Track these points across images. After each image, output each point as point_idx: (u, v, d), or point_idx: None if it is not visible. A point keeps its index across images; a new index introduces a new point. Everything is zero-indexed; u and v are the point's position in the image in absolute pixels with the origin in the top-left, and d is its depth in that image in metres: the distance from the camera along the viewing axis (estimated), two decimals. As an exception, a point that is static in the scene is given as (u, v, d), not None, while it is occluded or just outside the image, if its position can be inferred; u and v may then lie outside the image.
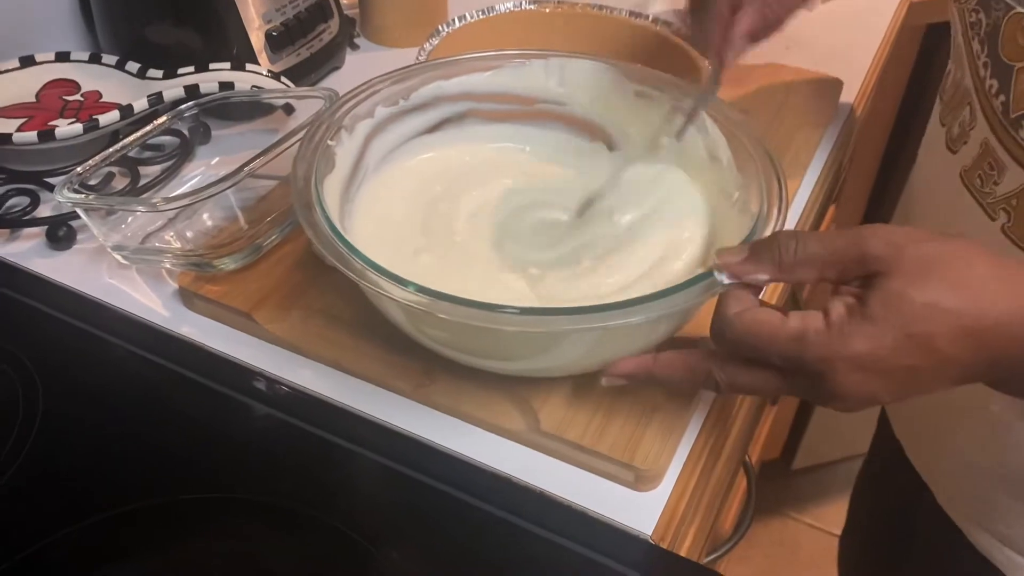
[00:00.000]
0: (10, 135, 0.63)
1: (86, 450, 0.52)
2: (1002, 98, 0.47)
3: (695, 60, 0.72)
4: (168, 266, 0.59)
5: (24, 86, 0.70)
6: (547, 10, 0.81)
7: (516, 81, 0.58)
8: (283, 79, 0.71)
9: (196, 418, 0.53)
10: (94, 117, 0.65)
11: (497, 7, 0.80)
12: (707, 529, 0.73)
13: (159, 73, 0.71)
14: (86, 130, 0.64)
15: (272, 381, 0.53)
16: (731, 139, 0.52)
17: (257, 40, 0.72)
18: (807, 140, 0.71)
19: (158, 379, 0.55)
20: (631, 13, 0.81)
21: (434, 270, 0.49)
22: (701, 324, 0.49)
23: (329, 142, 0.51)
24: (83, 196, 0.56)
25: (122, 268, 0.60)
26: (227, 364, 0.54)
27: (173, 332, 0.56)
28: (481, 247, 0.52)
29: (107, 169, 0.64)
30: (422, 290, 0.42)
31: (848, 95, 0.78)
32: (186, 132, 0.68)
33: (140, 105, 0.66)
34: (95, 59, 0.73)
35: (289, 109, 0.71)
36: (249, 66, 0.70)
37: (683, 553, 0.59)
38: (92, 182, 0.63)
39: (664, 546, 0.46)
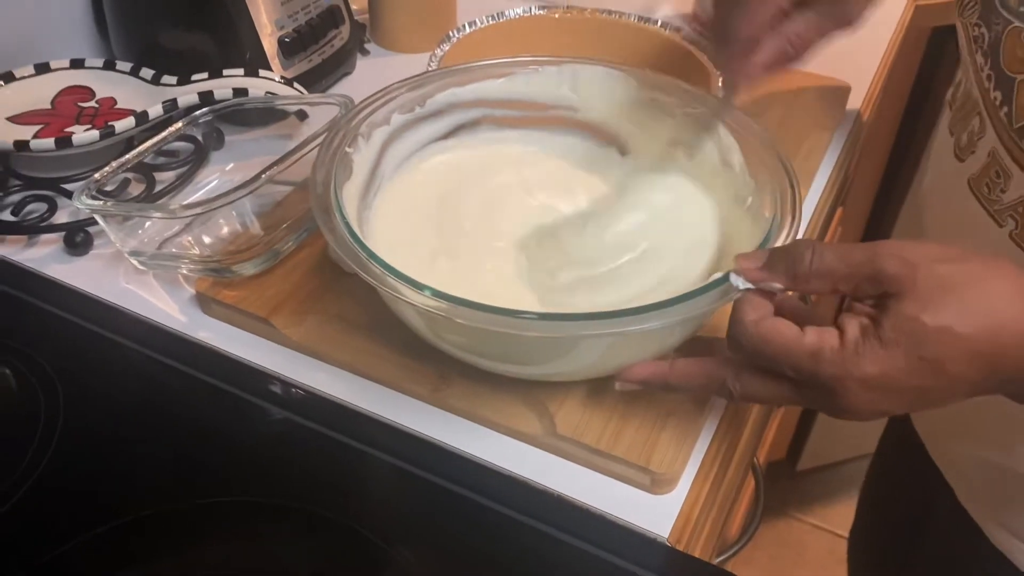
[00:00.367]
0: (27, 142, 0.64)
1: (105, 454, 0.52)
2: (1005, 109, 0.48)
3: (703, 64, 0.73)
4: (185, 271, 0.59)
5: (40, 93, 0.71)
6: (556, 15, 0.82)
7: (529, 87, 0.59)
8: (296, 85, 0.72)
9: (213, 422, 0.54)
10: (110, 124, 0.65)
11: (507, 12, 0.81)
12: (718, 530, 0.74)
13: (173, 79, 0.71)
14: (103, 136, 0.65)
15: (289, 385, 0.54)
16: (744, 145, 0.53)
17: (270, 46, 0.73)
18: (816, 144, 0.71)
19: (176, 383, 0.55)
20: (639, 18, 0.82)
21: (450, 275, 0.50)
22: (714, 327, 0.49)
23: (347, 149, 0.51)
24: (101, 203, 0.57)
25: (139, 273, 0.61)
26: (244, 368, 0.55)
27: (191, 337, 0.57)
28: (496, 252, 0.53)
29: (123, 175, 0.65)
30: (440, 295, 0.42)
31: (856, 99, 0.79)
32: (200, 138, 0.69)
33: (155, 111, 0.67)
34: (109, 66, 0.73)
35: (302, 115, 0.71)
36: (262, 72, 0.70)
37: (696, 554, 0.59)
38: (108, 188, 0.63)
39: (680, 548, 0.47)
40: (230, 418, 0.54)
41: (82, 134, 0.64)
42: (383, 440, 0.51)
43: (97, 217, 0.58)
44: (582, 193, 0.58)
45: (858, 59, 0.85)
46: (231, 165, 0.68)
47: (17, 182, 0.66)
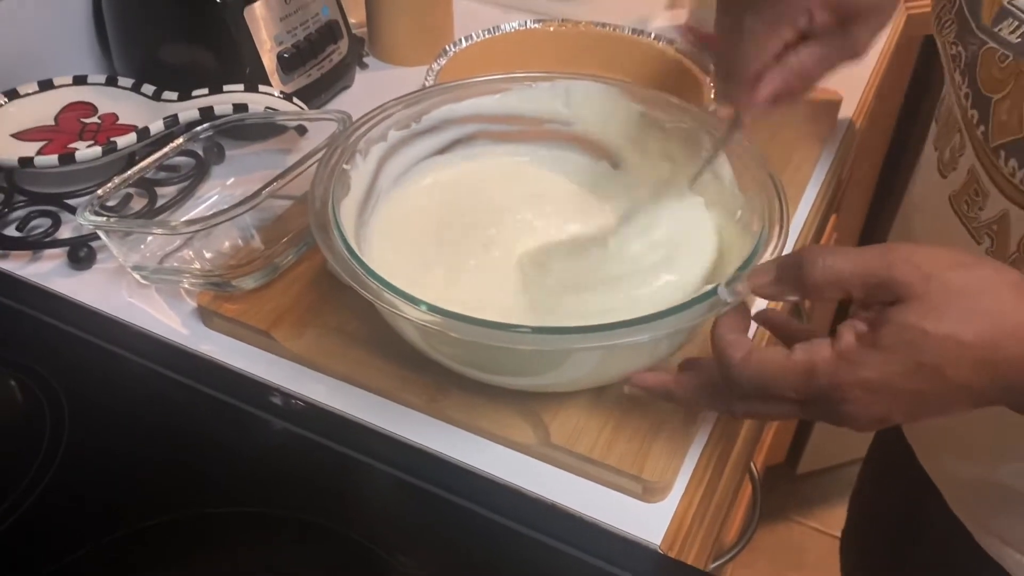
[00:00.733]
0: (32, 158, 0.65)
1: (108, 465, 0.53)
2: (982, 128, 0.49)
3: (696, 76, 0.74)
4: (187, 285, 0.60)
5: (44, 109, 0.72)
6: (551, 28, 0.83)
7: (524, 103, 0.60)
8: (295, 100, 0.73)
9: (215, 433, 0.55)
10: (112, 140, 0.67)
11: (502, 26, 0.82)
12: (713, 536, 0.75)
13: (174, 95, 0.72)
14: (105, 153, 0.66)
15: (289, 397, 0.55)
16: (733, 159, 0.54)
17: (269, 62, 0.74)
18: (807, 155, 0.72)
19: (178, 395, 0.57)
20: (633, 30, 0.83)
21: (445, 288, 0.51)
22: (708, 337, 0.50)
23: (344, 166, 0.52)
24: (104, 219, 0.58)
25: (141, 287, 0.62)
26: (246, 380, 0.56)
27: (193, 350, 0.58)
28: (491, 266, 0.54)
29: (125, 190, 0.66)
30: (435, 310, 0.43)
31: (847, 108, 0.80)
32: (201, 153, 0.70)
33: (156, 127, 0.68)
34: (111, 82, 0.75)
35: (302, 130, 0.73)
36: (262, 87, 0.72)
37: (690, 560, 0.60)
38: (111, 203, 0.64)
39: (673, 555, 0.48)
40: (231, 429, 0.55)
41: (85, 151, 0.65)
42: (382, 450, 0.52)
43: (100, 233, 0.59)
44: (575, 207, 0.59)
45: (850, 69, 0.86)
46: (232, 179, 0.70)
47: (22, 198, 0.67)
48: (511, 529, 0.49)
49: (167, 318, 0.60)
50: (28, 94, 0.73)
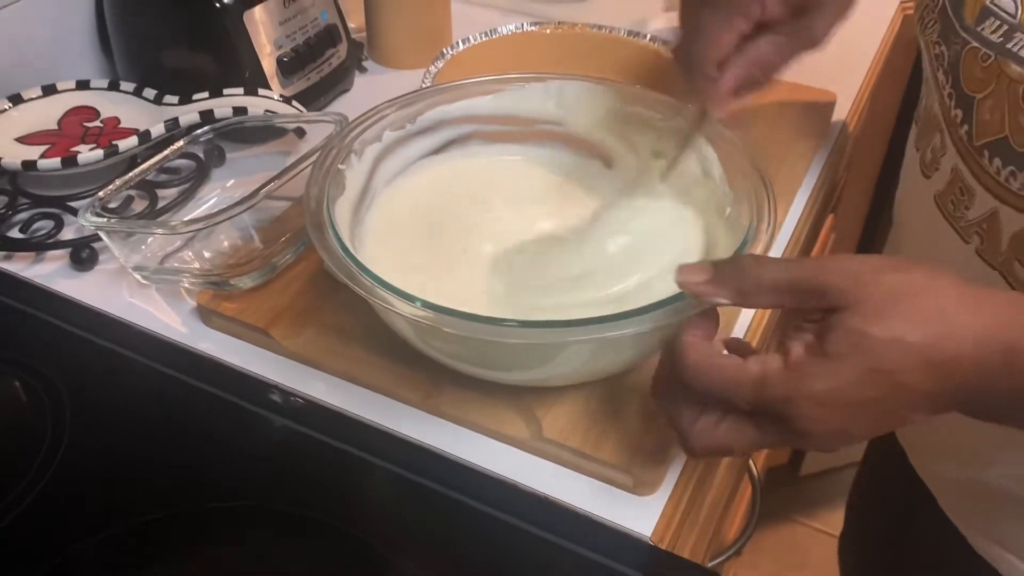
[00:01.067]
0: (35, 162, 0.66)
1: (109, 462, 0.54)
2: (965, 127, 0.49)
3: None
4: (187, 285, 0.61)
5: (47, 114, 0.73)
6: (548, 31, 0.84)
7: (516, 104, 0.61)
8: (294, 103, 0.74)
9: (214, 430, 0.56)
10: (114, 143, 0.68)
11: (499, 29, 0.83)
12: (710, 533, 0.75)
13: (175, 99, 0.73)
14: (107, 156, 0.67)
15: (287, 394, 0.56)
16: (723, 156, 0.55)
17: (269, 66, 0.75)
18: (801, 155, 0.73)
19: (178, 393, 0.57)
20: (629, 32, 0.84)
21: (437, 285, 0.51)
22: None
23: (340, 166, 0.53)
24: (105, 220, 0.59)
25: (142, 287, 0.63)
26: (244, 378, 0.57)
27: (192, 348, 0.59)
28: (484, 264, 0.55)
29: (127, 192, 0.67)
30: (428, 306, 0.44)
31: (842, 108, 0.80)
32: (202, 155, 0.71)
33: (157, 130, 0.69)
34: (114, 86, 0.76)
35: (301, 132, 0.74)
36: (261, 91, 0.73)
37: (686, 555, 0.61)
38: (112, 205, 0.65)
39: (663, 547, 0.48)
40: (230, 426, 0.56)
41: (87, 154, 0.67)
42: (378, 446, 0.53)
43: (101, 234, 0.60)
44: (568, 206, 0.59)
45: (845, 69, 0.86)
46: (231, 181, 0.71)
47: (25, 200, 0.69)
48: (504, 522, 0.49)
49: (167, 317, 0.61)
50: (32, 99, 0.74)
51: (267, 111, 0.70)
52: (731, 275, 0.41)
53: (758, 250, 0.47)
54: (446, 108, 0.59)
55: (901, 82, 1.18)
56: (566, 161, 0.62)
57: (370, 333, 0.55)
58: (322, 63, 0.79)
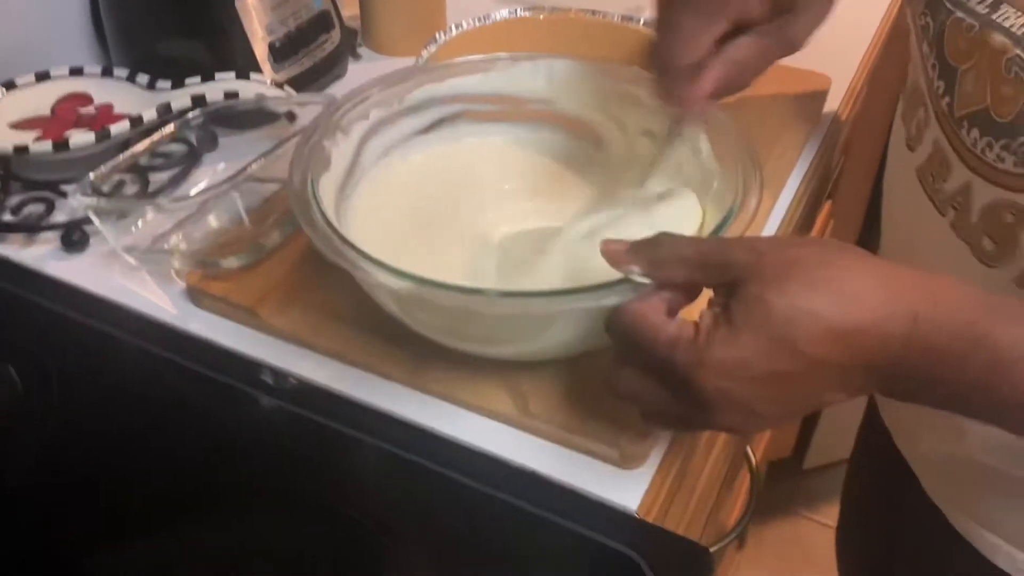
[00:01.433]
0: (27, 146, 0.66)
1: (101, 442, 0.54)
2: (947, 99, 0.49)
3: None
4: (177, 266, 0.61)
5: (40, 100, 0.73)
6: (541, 16, 0.84)
7: (505, 83, 0.60)
8: (286, 88, 0.74)
9: (205, 409, 0.56)
10: (106, 127, 0.68)
11: (492, 15, 0.83)
12: (704, 516, 0.75)
13: (167, 84, 0.74)
14: (98, 139, 0.67)
15: (276, 372, 0.56)
16: (711, 132, 0.54)
17: (261, 51, 0.75)
18: (794, 138, 0.73)
19: (168, 374, 0.57)
20: (623, 17, 0.83)
21: (423, 261, 0.51)
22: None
23: (324, 143, 0.53)
24: (94, 199, 0.59)
25: (133, 269, 0.63)
26: (233, 357, 0.57)
27: (182, 328, 0.59)
28: (467, 242, 0.54)
29: (118, 177, 0.67)
30: (409, 276, 0.44)
31: (837, 93, 0.80)
32: (194, 140, 0.71)
33: (149, 115, 0.69)
34: (107, 73, 0.76)
35: (292, 117, 0.73)
36: (253, 75, 0.73)
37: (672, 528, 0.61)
38: (105, 189, 0.66)
39: (650, 520, 0.48)
40: (221, 405, 0.56)
41: (79, 137, 0.67)
42: (366, 423, 0.53)
43: (91, 215, 0.60)
44: (557, 186, 0.59)
45: (843, 54, 0.86)
46: (222, 165, 0.71)
47: (17, 184, 0.69)
48: (493, 497, 0.49)
49: (157, 298, 0.61)
50: (25, 85, 0.74)
51: (258, 95, 0.70)
52: (646, 248, 0.42)
53: (740, 226, 0.47)
54: (434, 87, 0.59)
55: (901, 68, 1.17)
56: (557, 140, 0.62)
57: (357, 311, 0.55)
58: (315, 48, 0.79)
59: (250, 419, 0.56)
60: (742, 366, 0.38)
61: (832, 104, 0.79)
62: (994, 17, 0.46)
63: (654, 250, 0.42)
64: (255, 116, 0.75)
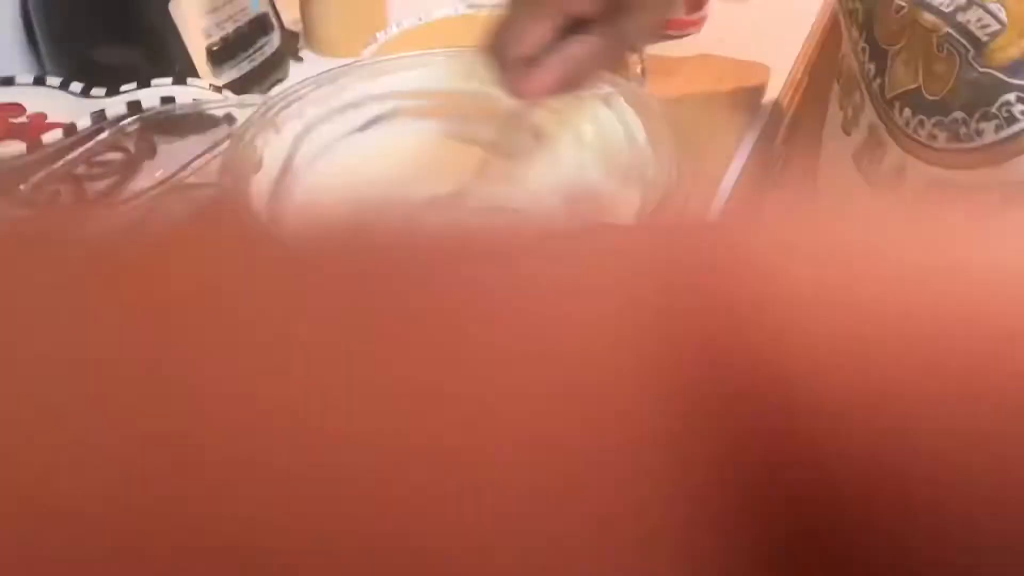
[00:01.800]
0: (-45, 158, 0.65)
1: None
2: (879, 81, 0.49)
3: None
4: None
5: (-30, 112, 0.72)
6: (483, 14, 0.84)
7: (440, 79, 0.60)
8: (225, 92, 0.73)
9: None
10: (38, 137, 0.66)
11: (433, 13, 0.83)
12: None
13: (102, 92, 0.72)
14: (30, 149, 0.66)
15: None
16: (646, 121, 0.54)
17: (199, 56, 0.74)
18: (733, 127, 0.73)
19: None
20: (564, 13, 0.83)
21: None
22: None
23: (256, 143, 0.52)
24: (26, 212, 0.58)
25: (70, 280, 0.62)
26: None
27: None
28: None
29: (54, 187, 0.66)
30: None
31: (778, 82, 0.81)
32: (131, 148, 0.70)
33: (83, 123, 0.68)
34: (39, 82, 0.74)
35: (231, 120, 0.73)
36: (191, 80, 0.72)
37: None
38: (40, 201, 0.64)
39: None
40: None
41: (8, 147, 0.65)
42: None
43: (23, 226, 0.59)
44: (499, 179, 0.59)
45: (781, 42, 0.87)
46: (160, 172, 0.69)
47: (-51, 199, 0.67)
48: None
49: (95, 309, 0.60)
50: (-45, 97, 0.73)
51: (195, 100, 0.70)
52: None
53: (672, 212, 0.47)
54: (368, 84, 0.59)
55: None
56: (497, 134, 0.62)
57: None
58: (254, 52, 0.79)
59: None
60: None
61: (772, 94, 0.80)
62: None
63: None
64: (194, 121, 0.74)
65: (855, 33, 0.52)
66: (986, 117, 0.42)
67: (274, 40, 0.81)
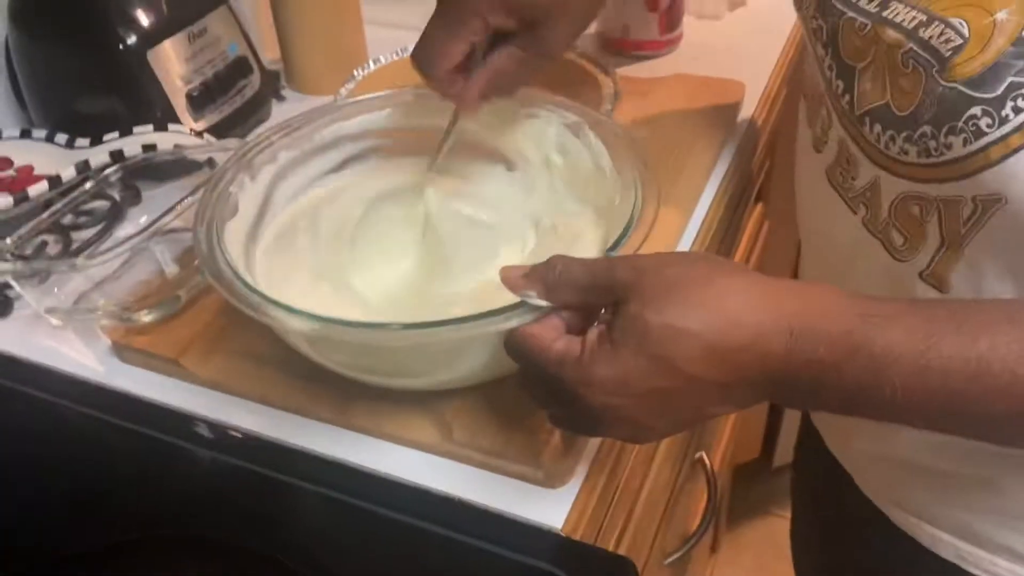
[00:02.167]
0: (-56, 214, 0.66)
1: (36, 501, 0.54)
2: (847, 97, 0.49)
3: (596, 79, 0.76)
4: (103, 323, 0.61)
5: (-42, 168, 0.73)
6: (458, 45, 0.85)
7: (412, 117, 0.61)
8: (206, 136, 0.74)
9: (137, 463, 0.56)
10: (24, 189, 0.68)
11: (409, 48, 0.84)
12: (652, 528, 0.75)
13: (86, 142, 0.74)
14: (17, 202, 0.67)
15: (204, 423, 0.56)
16: (612, 150, 0.55)
17: (179, 102, 0.76)
18: (709, 144, 0.74)
19: (97, 431, 0.57)
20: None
21: (334, 299, 0.52)
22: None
23: (231, 189, 0.53)
24: (11, 264, 0.59)
25: (59, 330, 0.63)
26: (160, 411, 0.57)
27: (107, 386, 0.59)
28: (383, 276, 0.55)
29: (41, 238, 0.67)
30: (313, 317, 0.44)
31: (752, 98, 0.81)
32: (116, 195, 0.71)
33: (68, 174, 0.69)
34: (26, 135, 0.76)
35: (212, 164, 0.74)
36: (172, 126, 0.73)
37: (623, 551, 0.61)
38: (27, 252, 0.66)
39: (577, 537, 0.49)
40: (151, 459, 0.56)
41: (-5, 202, 0.67)
42: (297, 466, 0.53)
43: (10, 280, 0.60)
44: (472, 211, 0.60)
45: (756, 58, 0.88)
46: (144, 218, 0.71)
47: (-62, 254, 0.68)
48: (422, 529, 0.49)
49: (84, 357, 0.61)
50: (-57, 154, 0.74)
51: (176, 146, 0.71)
52: (542, 271, 0.43)
53: (638, 239, 0.48)
54: (342, 125, 0.60)
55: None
56: (469, 168, 0.63)
57: (280, 355, 0.55)
58: (234, 95, 0.80)
59: (183, 471, 0.55)
60: (624, 383, 0.39)
61: (748, 110, 0.80)
62: (885, 14, 0.47)
63: (548, 273, 0.43)
64: (177, 167, 0.75)
65: (820, 51, 0.53)
66: (954, 131, 0.43)
67: (254, 82, 0.82)
